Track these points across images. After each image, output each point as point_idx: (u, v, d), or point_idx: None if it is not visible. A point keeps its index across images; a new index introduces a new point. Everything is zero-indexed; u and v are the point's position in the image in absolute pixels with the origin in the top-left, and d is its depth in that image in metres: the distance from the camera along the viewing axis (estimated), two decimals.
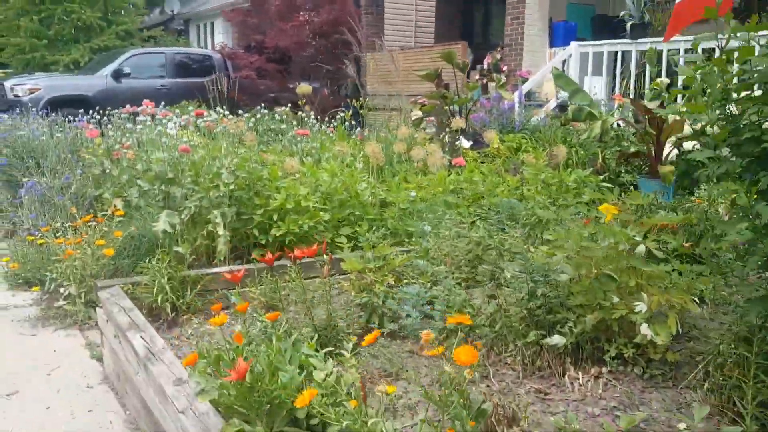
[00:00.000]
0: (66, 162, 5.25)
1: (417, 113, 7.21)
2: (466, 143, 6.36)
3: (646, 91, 7.83)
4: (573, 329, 2.39)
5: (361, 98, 14.00)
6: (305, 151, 4.88)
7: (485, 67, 10.14)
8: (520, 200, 4.97)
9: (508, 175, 5.32)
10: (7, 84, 10.32)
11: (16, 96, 10.12)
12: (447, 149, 5.40)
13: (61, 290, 3.85)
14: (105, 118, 7.28)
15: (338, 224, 4.35)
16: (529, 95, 9.09)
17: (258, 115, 5.76)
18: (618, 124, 6.16)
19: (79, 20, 15.53)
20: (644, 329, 2.29)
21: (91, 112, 7.09)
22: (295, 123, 6.22)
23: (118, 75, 10.75)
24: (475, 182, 4.82)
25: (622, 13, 8.60)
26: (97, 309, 3.13)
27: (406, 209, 4.45)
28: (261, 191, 4.16)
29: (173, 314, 3.02)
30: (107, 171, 4.79)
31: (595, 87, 8.81)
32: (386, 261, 3.09)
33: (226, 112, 5.15)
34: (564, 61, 9.09)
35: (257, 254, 4.19)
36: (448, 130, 6.05)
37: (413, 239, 4.21)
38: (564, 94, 8.95)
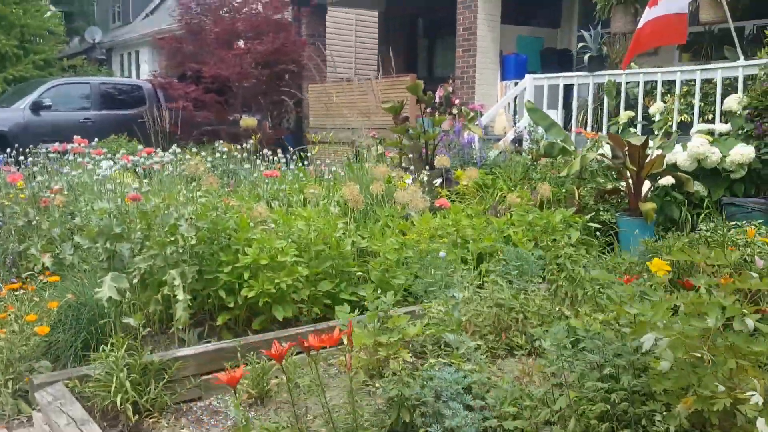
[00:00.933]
0: None
1: (380, 148, 6.73)
2: (435, 181, 5.91)
3: (608, 125, 7.68)
4: (667, 426, 1.91)
5: (305, 131, 13.48)
6: (271, 193, 4.29)
7: (437, 100, 9.82)
8: (507, 243, 4.54)
9: (489, 216, 4.88)
10: None
11: None
12: (426, 189, 4.92)
13: None
14: (24, 157, 6.44)
15: (315, 279, 3.77)
16: (484, 130, 8.81)
17: (217, 154, 5.09)
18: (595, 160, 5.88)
19: None
20: (761, 425, 1.83)
21: (8, 150, 6.21)
22: (259, 162, 5.58)
23: (37, 107, 9.77)
24: (462, 226, 4.35)
25: (580, 44, 8.47)
26: (34, 413, 2.41)
27: (393, 260, 3.91)
28: (227, 245, 3.54)
29: (136, 417, 2.34)
30: (33, 222, 4.03)
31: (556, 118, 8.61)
32: (400, 331, 2.54)
33: (177, 150, 4.48)
34: (515, 96, 8.88)
35: (223, 319, 3.55)
36: (427, 168, 5.58)
37: (410, 295, 3.68)
38: (520, 128, 8.73)
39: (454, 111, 9.95)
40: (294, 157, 9.11)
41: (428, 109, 10.51)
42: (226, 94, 10.28)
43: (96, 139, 9.54)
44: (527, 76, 8.75)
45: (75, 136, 4.82)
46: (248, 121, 8.90)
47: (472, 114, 6.52)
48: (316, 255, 3.81)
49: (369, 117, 11.98)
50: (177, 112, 10.57)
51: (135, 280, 3.34)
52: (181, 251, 3.30)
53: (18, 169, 5.81)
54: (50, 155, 5.10)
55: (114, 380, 2.30)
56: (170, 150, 4.59)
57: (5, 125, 9.53)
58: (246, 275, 3.41)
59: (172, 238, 3.29)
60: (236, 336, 3.62)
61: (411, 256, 3.97)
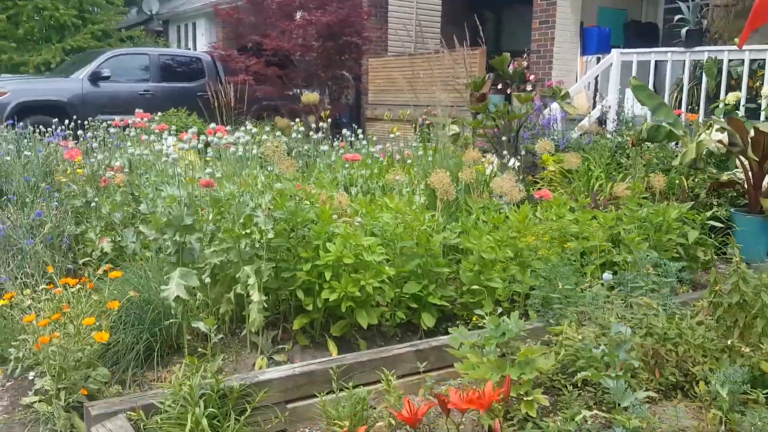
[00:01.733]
0: (37, 190, 4.10)
1: (454, 128, 6.18)
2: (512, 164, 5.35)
3: (709, 107, 6.93)
4: None
5: (362, 107, 12.97)
6: (348, 179, 3.82)
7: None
8: (615, 243, 3.98)
9: (590, 209, 4.31)
10: None
11: None
12: (519, 177, 4.38)
13: (31, 376, 2.74)
14: (83, 130, 6.15)
15: (400, 279, 3.31)
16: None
17: (294, 134, 4.62)
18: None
19: (51, 18, 14.22)
20: None
21: (67, 122, 5.91)
22: (336, 144, 5.07)
23: (95, 78, 9.53)
24: (565, 222, 3.80)
25: (676, 17, 7.69)
26: None
27: (489, 259, 3.41)
28: (306, 239, 3.09)
29: None
30: (93, 204, 3.67)
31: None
32: (534, 366, 2.03)
33: (252, 129, 4.04)
34: (598, 73, 8.16)
35: (300, 324, 3.12)
36: (523, 153, 5.02)
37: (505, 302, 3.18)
38: (605, 107, 8.04)
39: (528, 87, 9.30)
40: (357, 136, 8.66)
41: (499, 86, 9.90)
42: (287, 68, 9.84)
43: (158, 113, 9.36)
44: (614, 50, 8.02)
45: (137, 109, 4.44)
46: (310, 96, 8.45)
47: (564, 90, 5.88)
48: (401, 252, 3.34)
49: (432, 93, 11.40)
50: (236, 85, 10.20)
51: (205, 276, 2.93)
52: (257, 246, 2.87)
53: (76, 144, 5.50)
54: (110, 129, 4.74)
55: (189, 417, 1.88)
56: (243, 128, 4.17)
57: (63, 95, 9.32)
58: (327, 275, 2.95)
59: (248, 231, 2.85)
60: (313, 341, 3.20)
61: (510, 256, 3.45)
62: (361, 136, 6.33)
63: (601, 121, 8.08)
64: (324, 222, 3.07)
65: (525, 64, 9.13)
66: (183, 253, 2.81)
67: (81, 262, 3.61)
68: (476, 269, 3.40)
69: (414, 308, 3.35)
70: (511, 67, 9.06)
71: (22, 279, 3.35)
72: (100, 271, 2.92)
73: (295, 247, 3.08)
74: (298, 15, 9.62)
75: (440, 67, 10.88)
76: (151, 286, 3.05)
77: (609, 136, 7.42)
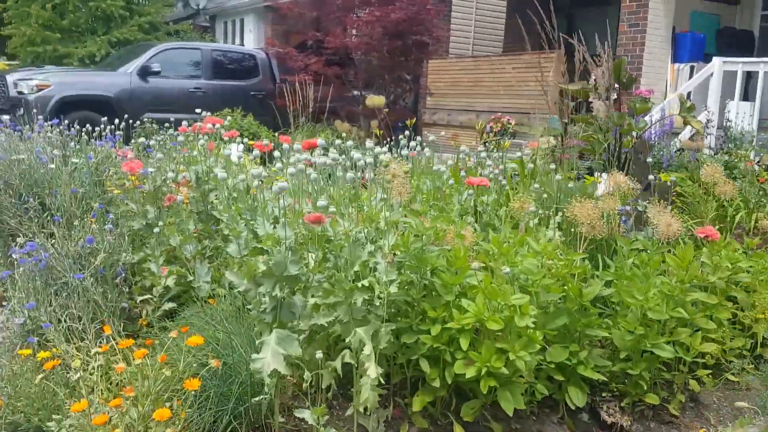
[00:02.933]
0: (86, 204, 3.45)
1: (550, 140, 5.40)
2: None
3: None
4: None
5: (419, 112, 12.23)
6: (463, 207, 3.08)
7: (591, 82, 8.34)
8: None
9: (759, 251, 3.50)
10: (10, 78, 8.48)
11: (20, 93, 8.31)
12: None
13: None
14: (132, 128, 5.53)
15: (543, 342, 2.56)
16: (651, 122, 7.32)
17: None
18: None
19: (98, 9, 13.76)
20: None
21: (117, 121, 5.29)
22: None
23: (145, 73, 8.94)
24: (738, 269, 3.02)
25: None
26: None
27: (657, 319, 2.65)
28: (435, 293, 2.36)
29: None
30: (156, 229, 2.99)
31: (743, 114, 7.03)
32: None
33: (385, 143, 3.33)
34: (698, 81, 7.30)
35: (421, 403, 2.40)
36: (652, 177, 4.21)
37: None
38: (707, 121, 7.20)
39: (613, 96, 8.47)
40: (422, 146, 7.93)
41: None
42: (346, 68, 9.16)
43: (208, 113, 8.75)
44: (715, 59, 7.17)
45: (207, 115, 3.78)
46: (375, 99, 7.75)
47: (689, 103, 5.07)
48: (544, 308, 2.60)
49: (499, 98, 10.62)
50: (293, 85, 9.57)
51: (302, 337, 2.23)
52: (377, 303, 2.15)
53: (130, 147, 4.87)
54: (168, 133, 4.08)
55: None
56: (323, 137, 3.49)
57: (110, 90, 8.76)
58: (463, 342, 2.22)
59: (364, 283, 2.13)
60: (433, 423, 2.48)
61: (683, 316, 2.68)
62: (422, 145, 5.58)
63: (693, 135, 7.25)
64: (458, 270, 2.34)
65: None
66: (281, 310, 2.10)
67: (139, 299, 2.93)
68: (638, 332, 2.64)
69: (555, 379, 2.61)
70: (595, 73, 8.23)
71: (66, 322, 2.69)
72: (172, 334, 2.22)
73: (419, 303, 2.35)
74: (362, 12, 8.93)
75: (508, 71, 10.09)
76: (232, 344, 2.36)
77: (708, 152, 6.60)
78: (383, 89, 9.50)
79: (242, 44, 15.85)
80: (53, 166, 3.46)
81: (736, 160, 5.87)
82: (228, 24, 18.15)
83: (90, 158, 3.60)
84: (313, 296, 2.23)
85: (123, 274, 3.03)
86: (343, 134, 8.40)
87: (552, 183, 3.47)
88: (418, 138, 5.62)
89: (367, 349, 2.13)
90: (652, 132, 6.22)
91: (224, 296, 2.84)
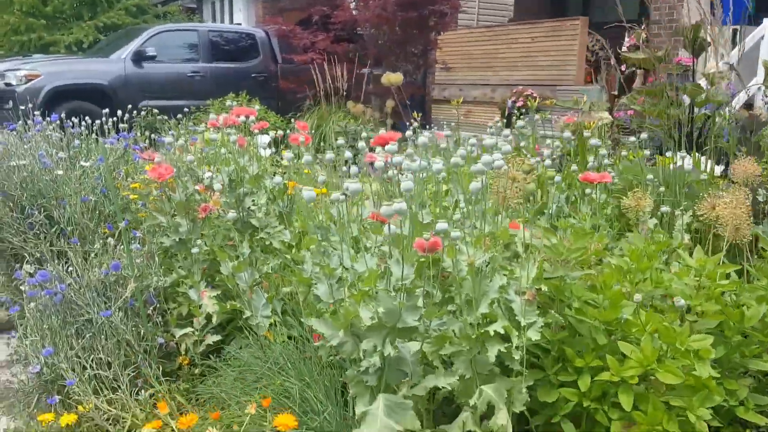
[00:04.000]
0: (99, 214, 2.91)
1: (604, 116, 4.86)
2: (717, 169, 4.04)
3: None
4: None
5: (428, 88, 11.61)
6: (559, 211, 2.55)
7: (625, 49, 7.78)
8: None
9: None
10: None
11: (7, 85, 7.67)
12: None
13: None
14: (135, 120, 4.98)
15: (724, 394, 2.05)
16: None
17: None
18: None
19: None
20: None
21: (119, 113, 4.71)
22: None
23: (139, 58, 8.30)
24: None
25: None
26: None
27: None
28: (578, 332, 1.84)
29: None
30: (194, 248, 2.46)
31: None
32: None
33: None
34: (749, 46, 6.76)
35: None
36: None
37: None
38: (750, 89, 6.69)
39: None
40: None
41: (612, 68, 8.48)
42: (356, 44, 8.54)
43: (209, 99, 8.13)
44: (765, 20, 6.63)
45: (234, 106, 3.25)
46: (392, 77, 7.10)
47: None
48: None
49: (516, 71, 10.03)
50: (297, 65, 8.95)
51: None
52: (515, 354, 1.63)
53: (134, 142, 4.30)
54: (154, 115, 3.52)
55: None
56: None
57: (104, 78, 8.12)
58: (625, 400, 1.70)
59: (497, 329, 1.61)
60: None
61: None
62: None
63: (749, 106, 6.74)
64: (612, 304, 1.81)
65: (644, 35, 7.73)
66: (389, 369, 1.58)
67: (178, 333, 2.40)
68: None
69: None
70: (629, 40, 7.68)
71: (92, 368, 2.16)
72: (250, 410, 1.70)
73: (556, 346, 1.83)
74: None
75: (527, 41, 9.51)
76: (307, 398, 1.84)
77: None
78: (393, 66, 8.91)
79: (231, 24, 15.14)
80: (61, 172, 2.90)
81: None
82: (216, 4, 17.40)
83: (101, 161, 3.04)
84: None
85: (155, 303, 2.50)
86: (359, 117, 7.84)
87: (658, 169, 2.94)
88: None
89: (502, 416, 1.62)
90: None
91: (276, 324, 2.33)
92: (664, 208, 2.44)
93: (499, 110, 9.14)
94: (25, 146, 3.10)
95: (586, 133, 4.00)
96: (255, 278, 2.20)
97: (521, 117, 8.75)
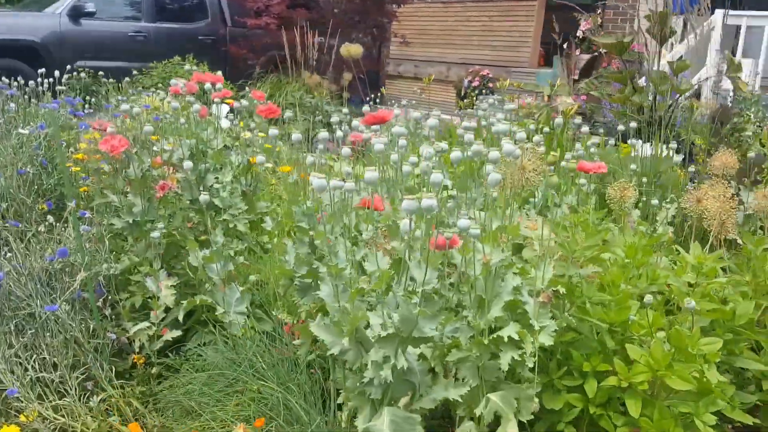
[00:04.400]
0: (38, 190, 2.59)
1: (568, 101, 4.77)
2: (676, 158, 4.00)
3: None
4: None
5: (382, 63, 11.32)
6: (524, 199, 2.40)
7: (579, 35, 7.74)
8: None
9: None
10: None
11: None
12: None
13: None
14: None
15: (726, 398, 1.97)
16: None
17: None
18: None
19: None
20: None
21: (57, 74, 4.30)
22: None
23: (77, 13, 7.67)
24: None
25: None
26: None
27: None
28: (584, 337, 1.70)
29: None
30: (154, 232, 2.20)
31: (747, 73, 6.61)
32: None
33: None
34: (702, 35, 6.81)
35: None
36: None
37: None
38: (701, 78, 6.76)
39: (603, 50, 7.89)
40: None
41: (567, 49, 8.45)
42: (314, 11, 8.17)
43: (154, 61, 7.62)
44: (717, 11, 6.68)
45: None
46: (352, 48, 6.84)
47: (737, 61, 4.50)
48: None
49: (472, 50, 9.86)
50: (250, 31, 8.53)
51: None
52: (528, 361, 1.48)
53: (82, 107, 3.94)
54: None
55: None
56: None
57: (36, 35, 7.49)
58: (633, 404, 1.58)
59: (511, 335, 1.45)
60: None
61: None
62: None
63: (697, 96, 6.82)
64: (619, 305, 1.67)
65: (599, 21, 7.70)
66: (396, 380, 1.39)
67: (132, 330, 2.14)
68: None
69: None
70: (584, 24, 7.62)
71: (35, 370, 1.89)
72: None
73: (564, 350, 1.69)
74: None
75: (484, 20, 9.36)
76: (288, 405, 1.65)
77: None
78: (350, 36, 8.60)
79: None
80: None
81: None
82: None
83: (41, 127, 2.69)
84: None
85: (101, 290, 2.23)
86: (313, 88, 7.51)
87: (637, 158, 2.84)
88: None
89: (512, 428, 1.47)
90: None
91: (246, 317, 2.12)
92: (654, 201, 2.33)
93: (455, 89, 9.00)
94: None
95: (558, 120, 3.89)
96: (229, 270, 1.96)
97: (477, 98, 8.67)
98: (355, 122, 2.00)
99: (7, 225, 2.15)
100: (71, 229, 2.12)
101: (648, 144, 3.76)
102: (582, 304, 1.62)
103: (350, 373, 1.45)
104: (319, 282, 1.46)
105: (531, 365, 1.46)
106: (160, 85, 6.80)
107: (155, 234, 2.13)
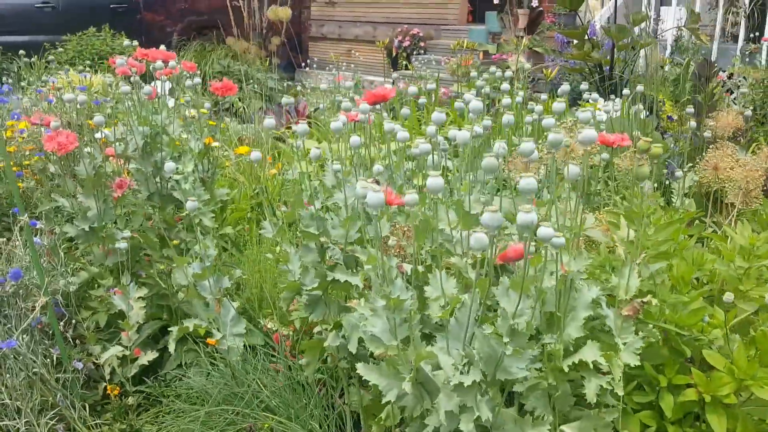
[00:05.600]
0: None
1: (522, 61, 4.59)
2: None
3: None
4: None
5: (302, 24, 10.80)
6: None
7: None
8: None
9: None
10: None
11: None
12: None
13: None
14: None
15: None
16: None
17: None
18: None
19: None
20: None
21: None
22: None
23: None
24: None
25: None
26: None
27: None
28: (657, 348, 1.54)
29: None
30: (121, 243, 1.89)
31: (678, 22, 6.64)
32: None
33: None
34: None
35: None
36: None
37: None
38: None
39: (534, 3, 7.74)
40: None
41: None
42: None
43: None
44: None
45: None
46: (280, 11, 6.46)
47: (696, 12, 4.40)
48: None
49: (398, 9, 9.53)
50: None
51: None
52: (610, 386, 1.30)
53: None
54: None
55: None
56: None
57: None
58: (717, 422, 1.44)
59: (585, 360, 1.27)
60: None
61: None
62: None
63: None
64: (691, 306, 1.51)
65: None
66: None
67: (103, 357, 1.85)
68: None
69: None
70: None
71: None
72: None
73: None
74: None
75: None
76: None
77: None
78: None
79: None
80: None
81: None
82: None
83: None
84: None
85: (64, 313, 1.91)
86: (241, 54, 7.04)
87: (624, 121, 2.71)
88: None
89: None
90: (562, 39, 5.49)
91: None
92: (679, 173, 2.19)
93: (385, 50, 8.68)
94: None
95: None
96: (227, 287, 1.69)
97: (408, 58, 8.41)
98: (347, 104, 1.73)
99: None
100: (20, 243, 1.78)
101: (612, 102, 3.63)
102: (657, 310, 1.45)
103: (410, 419, 1.21)
104: (348, 303, 1.23)
105: (621, 393, 1.27)
106: (77, 59, 6.20)
107: (122, 245, 1.83)
